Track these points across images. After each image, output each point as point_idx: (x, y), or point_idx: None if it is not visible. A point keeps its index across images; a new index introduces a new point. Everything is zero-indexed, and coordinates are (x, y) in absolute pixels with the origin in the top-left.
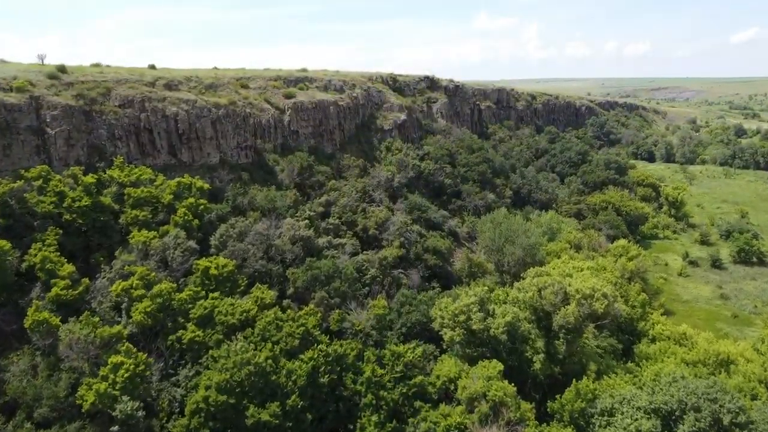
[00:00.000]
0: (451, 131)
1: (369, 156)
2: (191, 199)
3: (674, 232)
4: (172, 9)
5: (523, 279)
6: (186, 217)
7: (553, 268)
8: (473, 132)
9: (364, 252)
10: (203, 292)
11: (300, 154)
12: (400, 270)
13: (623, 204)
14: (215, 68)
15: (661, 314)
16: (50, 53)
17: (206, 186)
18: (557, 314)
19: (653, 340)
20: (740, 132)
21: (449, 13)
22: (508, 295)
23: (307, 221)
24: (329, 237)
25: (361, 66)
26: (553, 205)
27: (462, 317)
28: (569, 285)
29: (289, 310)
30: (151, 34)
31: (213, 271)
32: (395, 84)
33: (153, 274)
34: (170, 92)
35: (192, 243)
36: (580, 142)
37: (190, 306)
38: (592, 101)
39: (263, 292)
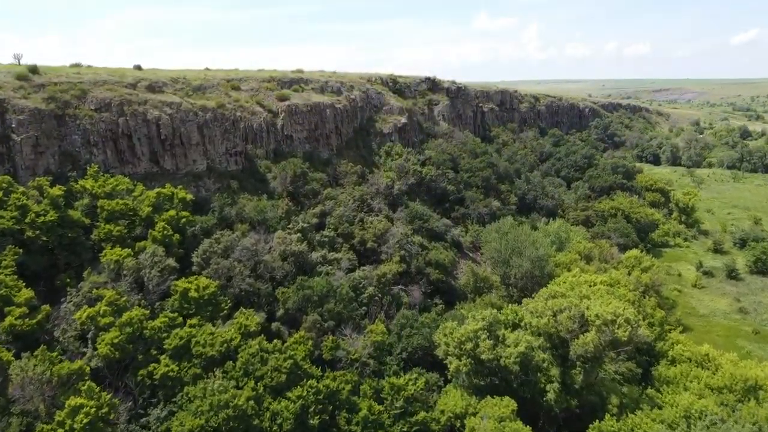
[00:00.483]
0: (454, 135)
1: (368, 161)
2: (172, 212)
3: (685, 239)
4: (173, 9)
5: (533, 297)
6: (165, 232)
7: (564, 282)
8: (476, 135)
9: (362, 267)
10: (180, 318)
11: (294, 160)
12: (400, 286)
13: (633, 210)
14: (206, 69)
15: (679, 331)
16: (50, 54)
17: (189, 197)
18: (575, 342)
19: (673, 362)
20: (745, 134)
21: (449, 13)
22: (517, 315)
23: (299, 234)
24: (324, 251)
25: (360, 66)
26: (560, 212)
27: (469, 345)
28: (587, 308)
29: (276, 340)
30: (151, 34)
31: (193, 294)
32: (395, 85)
33: (124, 298)
34: (153, 95)
35: (171, 261)
36: (585, 145)
37: (164, 335)
38: (594, 103)
39: (248, 318)
